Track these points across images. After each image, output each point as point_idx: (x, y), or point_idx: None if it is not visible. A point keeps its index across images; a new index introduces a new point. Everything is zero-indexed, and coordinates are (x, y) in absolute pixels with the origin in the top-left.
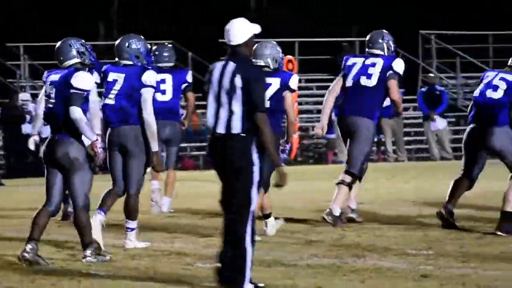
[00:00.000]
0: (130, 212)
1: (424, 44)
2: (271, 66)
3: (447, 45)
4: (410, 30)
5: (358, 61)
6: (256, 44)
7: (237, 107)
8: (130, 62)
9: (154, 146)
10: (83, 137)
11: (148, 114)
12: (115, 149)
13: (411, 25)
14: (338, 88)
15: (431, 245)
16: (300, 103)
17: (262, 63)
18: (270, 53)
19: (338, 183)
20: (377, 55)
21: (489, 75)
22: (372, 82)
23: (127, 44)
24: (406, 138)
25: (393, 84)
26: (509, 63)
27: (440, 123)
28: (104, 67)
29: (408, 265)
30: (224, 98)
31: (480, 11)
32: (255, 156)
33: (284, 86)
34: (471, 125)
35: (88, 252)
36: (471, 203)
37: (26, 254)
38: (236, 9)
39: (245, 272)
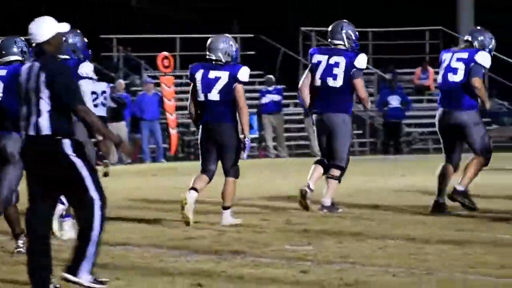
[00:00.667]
0: None
1: (305, 41)
2: (223, 60)
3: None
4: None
5: (323, 60)
6: (211, 38)
7: (45, 107)
8: (67, 57)
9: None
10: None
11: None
12: None
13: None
14: (308, 81)
15: (311, 240)
16: (180, 99)
17: (213, 57)
18: (222, 47)
19: (327, 177)
20: (339, 52)
21: (446, 57)
22: (339, 82)
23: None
24: (286, 134)
25: (358, 82)
26: (465, 38)
27: None
28: None
29: (287, 261)
30: (32, 99)
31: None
32: (73, 157)
33: (233, 78)
34: (439, 110)
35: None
36: (356, 201)
37: (21, 250)
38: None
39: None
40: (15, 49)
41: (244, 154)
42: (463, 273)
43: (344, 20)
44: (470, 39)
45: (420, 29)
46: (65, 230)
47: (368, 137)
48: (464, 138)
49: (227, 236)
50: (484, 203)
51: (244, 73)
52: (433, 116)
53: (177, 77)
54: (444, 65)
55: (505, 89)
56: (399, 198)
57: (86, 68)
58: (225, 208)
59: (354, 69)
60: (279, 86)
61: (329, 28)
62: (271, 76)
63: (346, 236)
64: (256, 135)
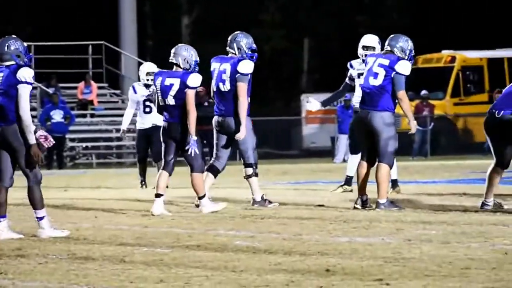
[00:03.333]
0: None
1: None
2: (181, 66)
3: None
4: None
5: (216, 67)
6: (179, 44)
7: None
8: (13, 62)
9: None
10: None
11: (23, 111)
12: None
13: None
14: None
15: None
16: None
17: (174, 61)
18: (184, 55)
19: (245, 178)
20: (230, 59)
21: (369, 61)
22: (227, 87)
23: (6, 46)
24: None
25: (240, 86)
26: (385, 49)
27: None
28: None
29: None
30: None
31: None
32: None
33: (183, 85)
34: (359, 110)
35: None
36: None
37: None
38: None
39: None
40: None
41: (191, 150)
42: (122, 287)
43: (237, 32)
44: (389, 48)
45: (83, 44)
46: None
47: None
48: (373, 137)
49: (79, 234)
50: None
51: (193, 79)
52: (96, 131)
53: None
54: (367, 68)
55: None
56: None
57: (25, 73)
58: (200, 198)
59: (239, 74)
60: None
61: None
62: None
63: (5, 251)
64: None
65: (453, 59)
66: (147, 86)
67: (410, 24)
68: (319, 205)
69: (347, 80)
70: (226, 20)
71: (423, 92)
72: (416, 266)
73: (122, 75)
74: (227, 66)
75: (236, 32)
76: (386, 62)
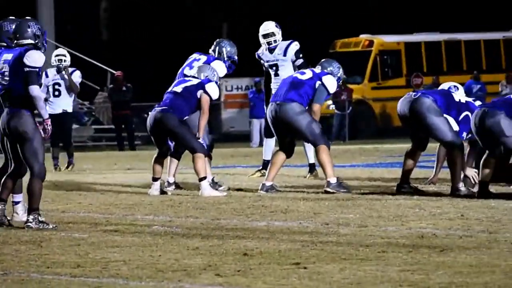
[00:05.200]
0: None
1: None
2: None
3: None
4: None
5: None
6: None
7: None
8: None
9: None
10: None
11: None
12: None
13: None
14: None
15: None
16: None
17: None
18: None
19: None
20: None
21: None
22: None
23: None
24: None
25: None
26: (317, 66)
27: None
28: None
29: None
30: None
31: None
32: None
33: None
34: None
35: (31, 217)
36: None
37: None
38: None
39: None
40: (29, 33)
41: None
42: (39, 273)
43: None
44: (320, 69)
45: None
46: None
47: None
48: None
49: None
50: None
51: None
52: None
53: None
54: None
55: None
56: None
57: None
58: (200, 179)
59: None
60: None
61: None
62: None
63: None
64: None
65: (371, 43)
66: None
67: (329, 7)
68: (237, 189)
69: (264, 68)
70: (144, 5)
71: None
72: (333, 250)
73: None
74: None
75: (223, 39)
76: (317, 70)
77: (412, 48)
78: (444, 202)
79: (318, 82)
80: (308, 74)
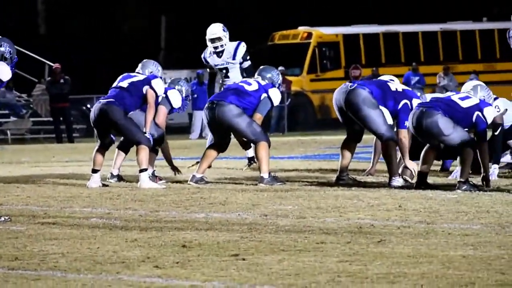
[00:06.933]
0: None
1: None
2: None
3: None
4: None
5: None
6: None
7: None
8: None
9: None
10: None
11: None
12: None
13: None
14: None
15: None
16: None
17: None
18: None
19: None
20: None
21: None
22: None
23: None
24: None
25: None
26: (255, 76)
27: None
28: None
29: None
30: None
31: None
32: None
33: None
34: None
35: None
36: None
37: None
38: None
39: None
40: None
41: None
42: None
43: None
44: (260, 79)
45: None
46: None
47: None
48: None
49: None
50: None
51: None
52: None
53: None
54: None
55: (24, 81)
56: None
57: None
58: (141, 171)
59: None
60: None
61: None
62: None
63: None
64: None
65: (309, 35)
66: None
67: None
68: (176, 182)
69: (208, 70)
70: None
71: (280, 68)
72: (272, 241)
73: None
74: None
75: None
76: (262, 82)
77: (350, 40)
78: (382, 193)
79: (264, 95)
80: (254, 85)
